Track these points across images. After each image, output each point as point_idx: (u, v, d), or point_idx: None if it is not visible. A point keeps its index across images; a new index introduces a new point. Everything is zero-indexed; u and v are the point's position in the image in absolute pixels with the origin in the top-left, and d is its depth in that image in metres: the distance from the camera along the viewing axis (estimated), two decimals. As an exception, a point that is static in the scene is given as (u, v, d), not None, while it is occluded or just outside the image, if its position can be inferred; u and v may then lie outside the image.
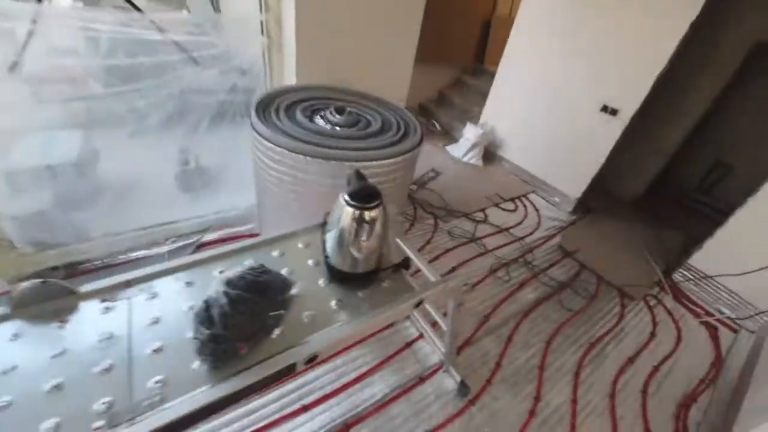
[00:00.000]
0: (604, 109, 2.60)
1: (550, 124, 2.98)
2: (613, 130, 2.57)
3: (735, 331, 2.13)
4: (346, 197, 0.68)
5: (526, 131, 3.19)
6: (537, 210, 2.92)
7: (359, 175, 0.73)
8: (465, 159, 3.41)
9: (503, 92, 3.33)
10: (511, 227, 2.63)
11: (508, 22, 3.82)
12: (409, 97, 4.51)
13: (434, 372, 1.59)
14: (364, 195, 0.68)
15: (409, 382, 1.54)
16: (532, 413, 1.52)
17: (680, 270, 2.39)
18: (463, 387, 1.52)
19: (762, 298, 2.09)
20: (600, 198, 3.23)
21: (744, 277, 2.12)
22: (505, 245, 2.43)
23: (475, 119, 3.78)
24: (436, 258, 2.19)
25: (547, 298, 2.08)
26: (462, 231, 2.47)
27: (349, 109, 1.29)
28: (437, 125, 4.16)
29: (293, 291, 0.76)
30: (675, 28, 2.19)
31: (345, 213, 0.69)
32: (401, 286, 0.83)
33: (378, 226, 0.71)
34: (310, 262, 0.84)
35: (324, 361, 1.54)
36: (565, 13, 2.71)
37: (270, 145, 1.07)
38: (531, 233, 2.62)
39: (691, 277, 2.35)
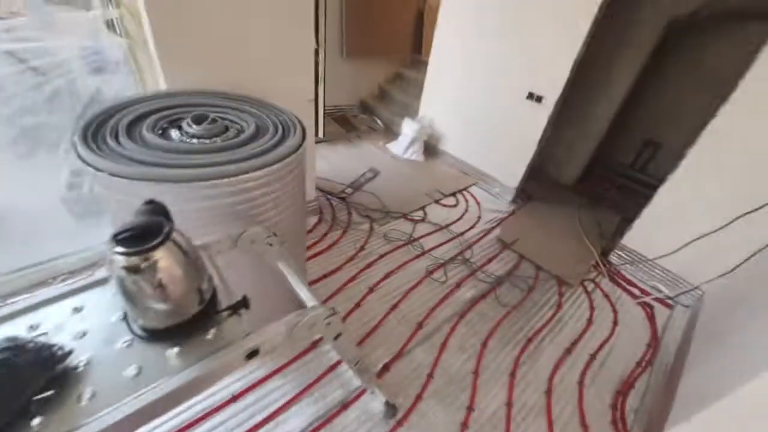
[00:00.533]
0: (530, 96, 2.56)
1: (484, 113, 2.93)
2: (539, 118, 2.54)
3: (671, 308, 2.15)
4: (109, 242, 0.52)
5: (462, 122, 3.12)
6: (478, 203, 2.86)
7: (148, 208, 0.56)
8: (406, 156, 3.31)
9: (437, 84, 3.25)
10: (451, 224, 2.55)
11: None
12: (350, 93, 4.37)
13: (359, 396, 1.45)
14: (135, 235, 0.52)
15: (330, 411, 1.39)
16: (464, 425, 1.42)
17: (616, 251, 2.40)
18: (389, 408, 1.39)
19: (694, 273, 2.13)
20: (540, 185, 3.24)
21: (676, 254, 2.15)
22: (444, 243, 2.34)
23: (414, 114, 3.68)
24: (369, 265, 2.05)
25: (484, 296, 2.00)
26: (399, 233, 2.35)
27: (213, 116, 1.11)
28: (379, 122, 4.03)
29: (78, 361, 0.58)
30: (586, 10, 2.17)
31: (114, 262, 0.52)
32: (235, 334, 0.67)
33: (174, 268, 0.56)
34: (114, 318, 0.66)
35: (233, 399, 1.36)
36: (484, 3, 2.65)
37: (100, 174, 0.87)
38: (471, 227, 2.54)
39: (626, 257, 2.36)
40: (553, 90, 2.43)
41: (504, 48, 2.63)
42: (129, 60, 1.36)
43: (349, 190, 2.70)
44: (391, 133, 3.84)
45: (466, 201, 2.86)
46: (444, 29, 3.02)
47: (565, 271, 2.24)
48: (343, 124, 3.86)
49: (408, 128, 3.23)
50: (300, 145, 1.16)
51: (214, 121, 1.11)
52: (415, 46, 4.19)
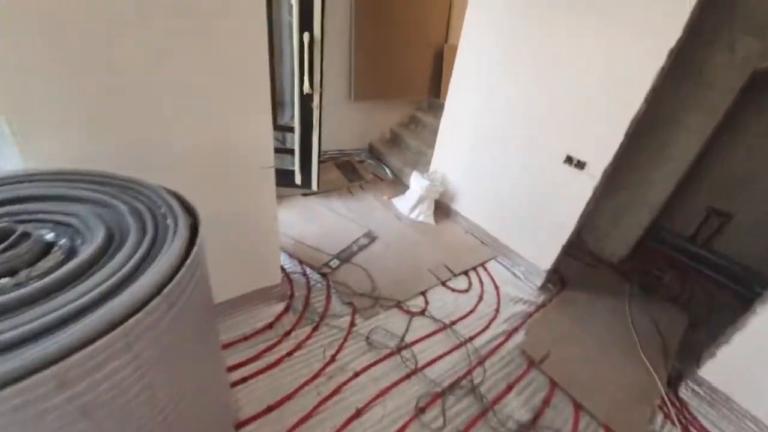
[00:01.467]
0: (569, 161, 2.01)
1: (507, 175, 2.39)
2: (581, 189, 1.97)
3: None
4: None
5: (481, 183, 2.59)
6: (497, 287, 2.26)
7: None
8: (412, 216, 2.79)
9: (452, 134, 2.77)
10: (459, 320, 1.96)
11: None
12: (357, 137, 3.98)
13: None
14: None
15: None
16: None
17: (689, 383, 1.72)
18: None
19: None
20: (576, 261, 2.60)
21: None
22: (446, 354, 1.74)
23: (427, 164, 3.20)
24: (336, 391, 1.48)
25: (498, 458, 1.38)
26: (387, 333, 1.79)
27: (23, 229, 0.66)
28: (388, 170, 3.57)
29: None
30: (651, 59, 1.64)
31: None
32: None
33: None
34: None
35: None
36: (512, 40, 2.19)
37: None
38: (486, 327, 1.94)
39: (706, 396, 1.67)
40: (601, 155, 1.87)
41: (537, 98, 2.13)
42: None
43: (334, 263, 2.19)
44: (399, 184, 3.36)
45: (482, 284, 2.26)
46: (462, 71, 2.57)
47: (618, 415, 1.58)
48: (347, 171, 3.44)
49: (416, 184, 2.74)
50: (180, 265, 0.67)
51: (23, 236, 0.64)
52: (433, 89, 3.79)
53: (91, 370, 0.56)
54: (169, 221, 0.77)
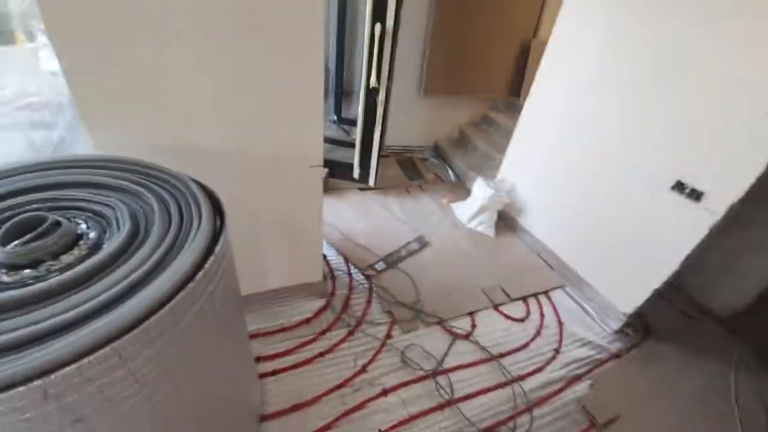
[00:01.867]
0: (679, 187, 1.61)
1: (594, 195, 2.03)
2: (695, 225, 1.57)
3: None
4: None
5: (558, 199, 2.25)
6: (560, 322, 1.95)
7: None
8: (471, 225, 2.56)
9: (528, 141, 2.45)
10: (509, 353, 1.72)
11: None
12: (423, 134, 3.80)
13: None
14: None
15: None
16: None
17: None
18: None
19: None
20: (669, 307, 2.14)
21: None
22: (488, 390, 1.54)
23: (494, 172, 2.91)
24: (360, 406, 1.39)
25: None
26: (424, 352, 1.65)
27: (54, 217, 0.65)
28: (451, 172, 3.35)
29: None
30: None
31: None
32: None
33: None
34: None
35: None
36: (620, 33, 1.81)
37: None
38: (540, 369, 1.67)
39: None
40: (728, 186, 1.45)
41: (644, 108, 1.75)
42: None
43: (380, 265, 2.09)
44: (461, 188, 3.13)
45: (542, 315, 1.98)
46: (549, 71, 2.24)
47: None
48: (408, 168, 3.31)
49: (479, 191, 2.50)
50: (204, 260, 0.62)
51: (55, 225, 0.64)
52: (513, 87, 3.43)
53: (107, 369, 0.52)
54: (194, 218, 0.72)
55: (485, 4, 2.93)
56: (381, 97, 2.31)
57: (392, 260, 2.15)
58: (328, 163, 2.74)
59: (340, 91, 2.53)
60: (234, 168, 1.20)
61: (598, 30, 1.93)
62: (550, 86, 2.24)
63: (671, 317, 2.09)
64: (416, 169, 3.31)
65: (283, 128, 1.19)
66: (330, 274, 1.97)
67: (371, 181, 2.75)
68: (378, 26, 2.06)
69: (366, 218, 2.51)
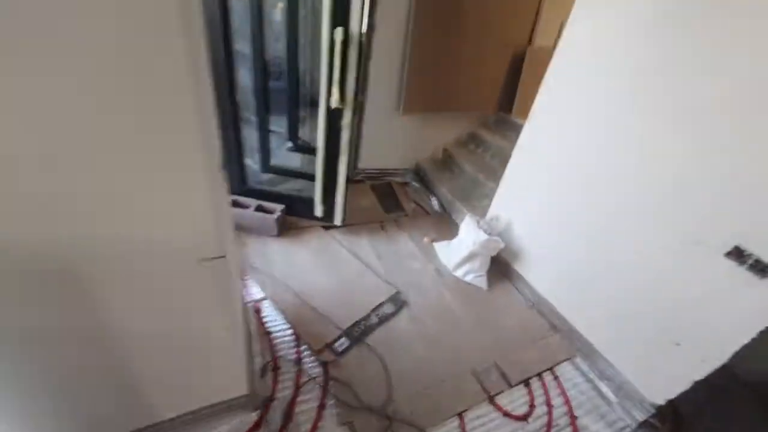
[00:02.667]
0: (737, 255, 1.20)
1: (613, 248, 1.61)
2: (757, 302, 1.16)
3: None
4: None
5: (565, 246, 1.83)
6: (572, 416, 1.51)
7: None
8: (458, 273, 2.11)
9: (529, 171, 2.02)
10: (511, 478, 1.27)
11: (551, 56, 2.60)
12: (403, 154, 3.32)
13: None
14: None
15: None
16: None
17: None
18: None
19: None
20: (706, 389, 1.73)
21: None
22: None
23: (485, 202, 2.48)
24: None
25: None
26: (397, 491, 1.17)
27: None
28: (435, 201, 2.91)
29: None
30: None
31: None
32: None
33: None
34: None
35: None
36: (649, 42, 1.39)
37: None
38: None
39: None
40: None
41: (687, 144, 1.33)
42: None
43: (342, 344, 1.61)
44: (447, 221, 2.69)
45: (549, 406, 1.53)
46: (556, 87, 1.81)
47: None
48: (385, 196, 2.84)
49: (468, 234, 2.05)
50: None
51: None
52: (503, 102, 3.02)
53: None
54: None
55: (472, 6, 2.50)
56: (346, 120, 1.83)
57: (358, 332, 1.67)
58: (284, 198, 2.25)
59: (294, 109, 2.04)
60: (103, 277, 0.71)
61: (627, 37, 1.51)
62: (557, 106, 1.81)
63: (710, 399, 1.69)
64: (394, 198, 2.85)
65: (151, 216, 0.70)
66: (272, 364, 1.48)
67: (337, 220, 2.27)
68: (339, 31, 1.58)
69: (329, 269, 2.02)
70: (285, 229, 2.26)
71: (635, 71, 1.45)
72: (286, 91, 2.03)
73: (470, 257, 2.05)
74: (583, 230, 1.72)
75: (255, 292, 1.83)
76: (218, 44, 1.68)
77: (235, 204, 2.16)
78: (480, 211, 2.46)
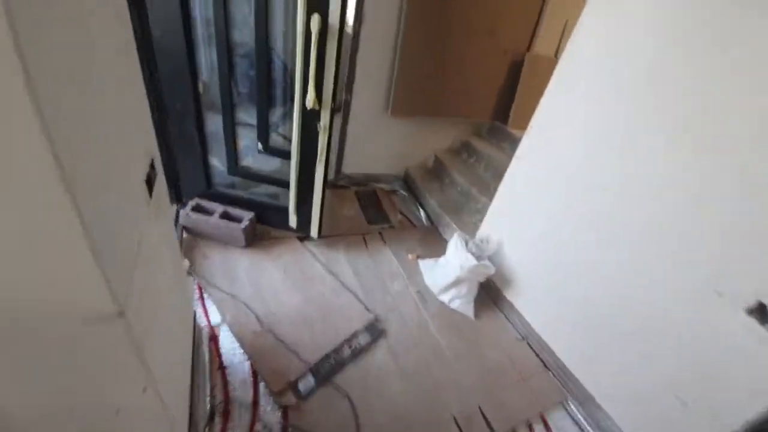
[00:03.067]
0: (760, 313, 1.03)
1: (616, 284, 1.44)
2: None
3: None
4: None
5: (560, 275, 1.65)
6: (565, 476, 1.34)
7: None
8: (443, 298, 1.92)
9: (526, 190, 1.83)
10: None
11: (552, 65, 2.44)
12: (391, 160, 3.07)
13: None
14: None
15: None
16: None
17: None
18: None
19: None
20: None
21: None
22: None
23: (476, 217, 2.30)
24: None
25: None
26: None
27: None
28: (423, 212, 2.71)
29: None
30: None
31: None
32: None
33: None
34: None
35: None
36: (673, 52, 1.22)
37: None
38: None
39: None
40: None
41: (699, 177, 1.16)
42: None
43: (306, 384, 1.39)
44: (435, 235, 2.49)
45: (539, 462, 1.36)
46: (560, 97, 1.62)
47: None
48: (369, 205, 2.63)
49: (456, 257, 1.86)
50: None
51: None
52: (499, 110, 2.84)
53: None
54: None
55: (469, 7, 2.30)
56: (323, 122, 1.61)
57: (327, 370, 1.46)
58: (255, 204, 2.01)
59: (265, 106, 1.79)
60: None
61: (642, 40, 1.33)
62: (561, 119, 1.62)
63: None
64: (379, 207, 2.64)
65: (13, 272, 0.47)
66: (222, 405, 1.25)
67: (314, 233, 2.04)
68: (316, 18, 1.35)
69: (300, 288, 1.80)
70: (254, 239, 2.02)
71: (652, 84, 1.27)
72: (253, 84, 1.78)
73: (456, 282, 1.85)
74: (585, 262, 1.54)
75: (213, 314, 1.60)
76: (173, 15, 1.43)
77: (197, 209, 1.91)
78: (471, 228, 2.28)
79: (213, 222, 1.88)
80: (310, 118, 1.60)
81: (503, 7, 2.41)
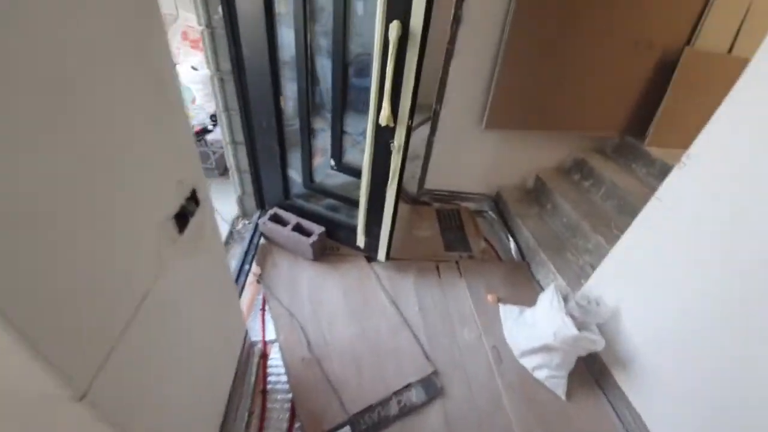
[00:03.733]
0: None
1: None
2: None
3: None
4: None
5: (707, 377, 1.11)
6: None
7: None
8: (526, 363, 1.53)
9: (664, 243, 1.29)
10: None
11: (725, 66, 1.84)
12: (484, 177, 2.70)
13: None
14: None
15: None
16: None
17: None
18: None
19: None
20: None
21: None
22: None
23: (584, 259, 1.80)
24: None
25: None
26: None
27: None
28: (512, 243, 2.29)
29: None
30: None
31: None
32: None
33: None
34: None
35: None
36: None
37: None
38: None
39: None
40: None
41: None
42: None
43: (345, 434, 1.23)
44: (524, 272, 2.07)
45: None
46: (747, 119, 1.08)
47: None
48: (449, 226, 2.35)
49: (549, 316, 1.44)
50: None
51: None
52: (632, 122, 2.20)
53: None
54: None
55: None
56: (398, 142, 1.42)
57: (368, 425, 1.27)
58: (326, 219, 1.96)
59: (338, 124, 1.68)
60: None
61: None
62: (741, 152, 1.08)
63: None
64: (461, 230, 2.33)
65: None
66: (255, 439, 1.19)
67: (381, 257, 1.88)
68: (395, 26, 1.16)
69: (358, 317, 1.66)
70: (323, 253, 1.97)
71: None
72: (325, 96, 1.69)
73: (546, 349, 1.45)
74: (743, 358, 0.99)
75: (269, 329, 1.58)
76: (260, 37, 1.43)
77: (274, 218, 1.95)
78: (573, 272, 1.80)
79: (286, 233, 1.88)
80: (383, 136, 1.43)
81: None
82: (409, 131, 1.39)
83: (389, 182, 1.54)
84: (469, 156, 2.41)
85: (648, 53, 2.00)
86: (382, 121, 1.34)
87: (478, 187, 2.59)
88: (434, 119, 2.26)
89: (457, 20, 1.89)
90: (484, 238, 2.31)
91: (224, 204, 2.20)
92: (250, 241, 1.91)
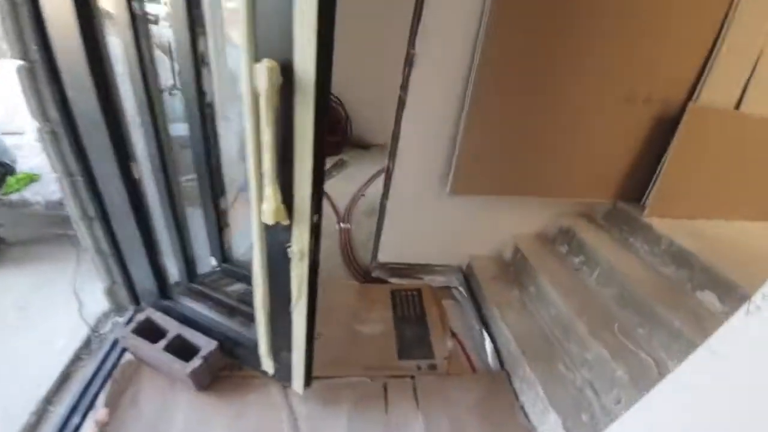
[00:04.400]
0: None
1: None
2: None
3: None
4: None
5: None
6: None
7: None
8: None
9: (725, 412, 0.79)
10: None
11: (732, 122, 1.52)
12: (450, 245, 1.82)
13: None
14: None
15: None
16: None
17: None
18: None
19: None
20: None
21: None
22: None
23: (579, 376, 1.28)
24: None
25: None
26: None
27: None
28: (487, 339, 1.75)
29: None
30: None
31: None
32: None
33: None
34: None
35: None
36: None
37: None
38: None
39: None
40: None
41: None
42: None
43: None
44: (503, 390, 1.52)
45: None
46: None
47: None
48: (408, 317, 1.79)
49: None
50: None
51: None
52: (627, 187, 1.79)
53: None
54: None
55: (585, 38, 1.41)
56: (298, 246, 0.86)
57: None
58: (219, 331, 1.35)
59: (212, 211, 1.12)
60: None
61: None
62: None
63: None
64: (422, 322, 1.78)
65: None
66: None
67: (296, 386, 1.28)
68: (266, 68, 0.64)
69: None
70: (216, 378, 1.35)
71: None
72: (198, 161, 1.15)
73: None
74: None
75: None
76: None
77: (145, 327, 1.32)
78: (571, 399, 1.28)
79: (154, 354, 1.26)
80: (276, 237, 0.88)
81: (648, 24, 1.46)
82: (315, 230, 0.85)
83: (294, 300, 0.97)
84: (432, 222, 1.91)
85: (644, 108, 1.61)
86: (267, 219, 0.80)
87: (444, 258, 2.07)
88: (387, 178, 1.77)
89: (409, 62, 1.44)
90: (451, 332, 1.76)
91: (92, 293, 1.56)
92: (99, 366, 1.26)
